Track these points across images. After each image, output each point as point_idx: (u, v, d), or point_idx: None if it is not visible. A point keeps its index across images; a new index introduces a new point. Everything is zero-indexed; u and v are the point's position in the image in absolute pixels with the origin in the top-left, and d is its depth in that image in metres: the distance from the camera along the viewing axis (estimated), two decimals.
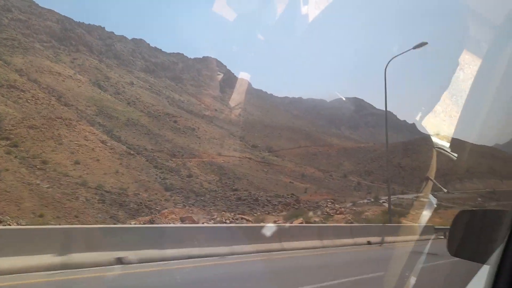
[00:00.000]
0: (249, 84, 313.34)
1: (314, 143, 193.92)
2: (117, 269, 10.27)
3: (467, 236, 2.29)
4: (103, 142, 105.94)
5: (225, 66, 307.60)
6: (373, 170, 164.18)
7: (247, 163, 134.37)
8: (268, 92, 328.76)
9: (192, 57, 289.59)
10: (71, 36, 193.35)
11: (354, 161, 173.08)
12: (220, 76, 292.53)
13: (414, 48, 25.25)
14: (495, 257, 1.87)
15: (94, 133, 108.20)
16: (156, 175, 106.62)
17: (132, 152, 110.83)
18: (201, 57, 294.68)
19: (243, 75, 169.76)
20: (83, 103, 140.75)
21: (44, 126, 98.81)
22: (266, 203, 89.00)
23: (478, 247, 2.13)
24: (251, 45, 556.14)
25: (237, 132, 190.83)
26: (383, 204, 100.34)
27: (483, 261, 2.01)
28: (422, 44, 24.84)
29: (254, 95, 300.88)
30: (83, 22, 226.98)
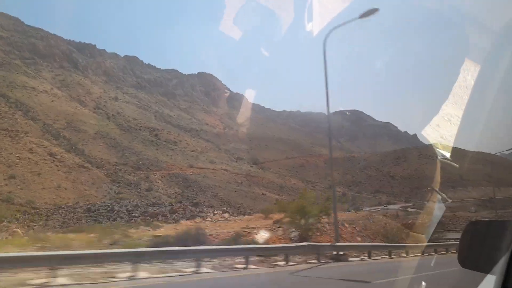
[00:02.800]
0: (245, 99, 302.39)
1: (302, 154, 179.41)
2: None
3: (476, 247, 2.22)
4: (51, 155, 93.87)
5: (221, 82, 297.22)
6: (361, 180, 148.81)
7: (221, 175, 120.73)
8: (266, 106, 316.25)
9: (187, 73, 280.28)
10: (55, 52, 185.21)
11: (342, 172, 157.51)
12: (222, 93, 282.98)
13: (361, 17, 18.70)
14: (500, 266, 1.82)
15: (43, 146, 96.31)
16: (110, 189, 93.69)
17: (86, 165, 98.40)
18: (196, 73, 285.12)
19: (248, 93, 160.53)
20: (52, 117, 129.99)
21: None
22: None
23: (486, 257, 2.05)
24: (249, 60, 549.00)
25: (223, 145, 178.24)
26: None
27: (488, 271, 1.94)
28: (372, 11, 18.45)
29: (249, 109, 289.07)
30: (73, 40, 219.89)
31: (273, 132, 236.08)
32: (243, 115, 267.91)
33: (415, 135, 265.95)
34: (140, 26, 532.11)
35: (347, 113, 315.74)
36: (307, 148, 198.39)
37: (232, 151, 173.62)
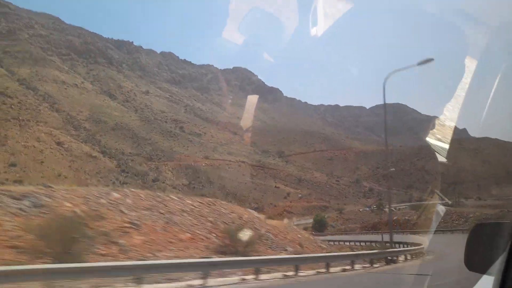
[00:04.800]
0: (280, 93, 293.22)
1: (332, 147, 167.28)
2: None
3: (483, 250, 2.16)
4: (59, 144, 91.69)
5: (257, 76, 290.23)
6: (392, 174, 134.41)
7: (236, 167, 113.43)
8: (302, 100, 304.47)
9: (222, 68, 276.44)
10: (91, 49, 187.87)
11: (373, 165, 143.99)
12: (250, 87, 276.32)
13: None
14: (497, 266, 1.81)
15: (52, 135, 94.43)
16: (116, 179, 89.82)
17: (94, 155, 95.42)
18: (231, 67, 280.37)
19: (251, 98, 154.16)
20: (77, 109, 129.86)
21: None
22: None
23: (494, 260, 1.99)
24: (286, 54, 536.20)
25: (250, 138, 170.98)
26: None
27: (485, 271, 1.95)
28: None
29: (284, 103, 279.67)
30: (112, 38, 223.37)
31: (307, 126, 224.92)
32: (278, 110, 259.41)
33: (464, 129, 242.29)
34: (179, 23, 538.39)
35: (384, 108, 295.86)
36: (338, 142, 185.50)
37: (258, 143, 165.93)
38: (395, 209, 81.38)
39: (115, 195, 16.50)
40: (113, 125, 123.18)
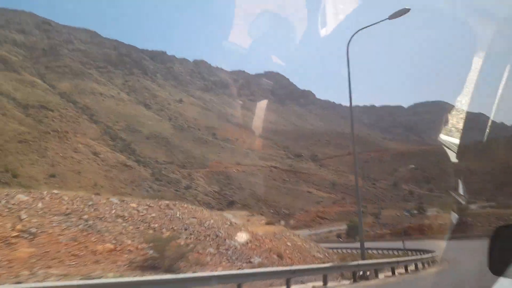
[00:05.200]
0: (313, 95, 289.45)
1: (367, 149, 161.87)
2: None
3: (503, 252, 2.10)
4: (95, 154, 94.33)
5: (288, 80, 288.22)
6: (434, 176, 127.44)
7: (268, 172, 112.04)
8: (337, 102, 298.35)
9: (254, 73, 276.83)
10: (126, 61, 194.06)
11: (412, 167, 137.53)
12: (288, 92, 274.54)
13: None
14: None
15: (89, 145, 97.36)
16: (150, 187, 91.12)
17: (129, 164, 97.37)
18: (262, 72, 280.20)
19: (260, 104, 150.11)
20: (114, 119, 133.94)
21: (34, 140, 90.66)
22: None
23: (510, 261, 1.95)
24: (318, 58, 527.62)
25: (282, 142, 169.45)
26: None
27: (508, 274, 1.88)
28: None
29: (318, 106, 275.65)
30: (147, 49, 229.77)
31: (341, 128, 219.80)
32: (310, 113, 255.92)
33: None
34: (211, 30, 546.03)
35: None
36: (374, 143, 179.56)
37: (291, 147, 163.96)
38: (437, 212, 76.88)
39: (21, 197, 14.44)
40: (147, 134, 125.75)
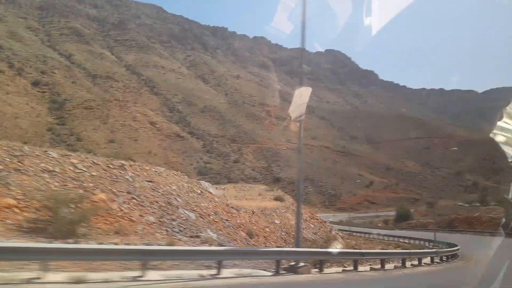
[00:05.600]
0: (375, 76, 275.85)
1: (430, 135, 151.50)
2: None
3: None
4: (151, 123, 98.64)
5: (350, 59, 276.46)
6: (503, 167, 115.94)
7: (318, 152, 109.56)
8: (401, 84, 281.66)
9: (314, 51, 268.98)
10: (188, 36, 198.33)
11: (479, 157, 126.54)
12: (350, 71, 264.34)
13: None
14: None
15: (146, 115, 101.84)
16: (200, 158, 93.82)
17: (182, 135, 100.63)
18: (323, 51, 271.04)
19: (300, 91, 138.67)
20: (173, 92, 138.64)
21: (98, 107, 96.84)
22: None
23: None
24: (385, 35, 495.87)
25: (338, 122, 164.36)
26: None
27: None
28: None
29: (380, 86, 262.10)
30: (208, 25, 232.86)
31: (403, 111, 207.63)
32: (370, 94, 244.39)
33: None
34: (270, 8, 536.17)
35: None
36: (439, 129, 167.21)
37: (346, 128, 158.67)
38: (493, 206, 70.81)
39: None
40: (202, 108, 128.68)
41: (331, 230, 23.84)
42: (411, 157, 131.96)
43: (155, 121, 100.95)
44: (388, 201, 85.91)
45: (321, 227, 20.97)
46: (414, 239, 30.88)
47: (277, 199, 20.69)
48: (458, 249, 20.38)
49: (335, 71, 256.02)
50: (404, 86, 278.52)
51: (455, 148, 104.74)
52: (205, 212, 13.69)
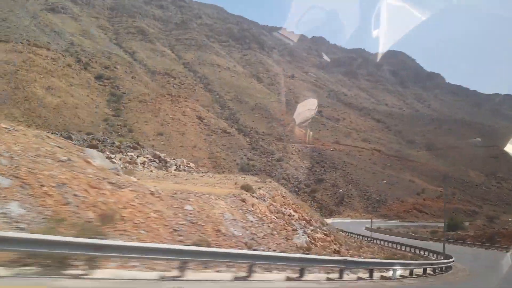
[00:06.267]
0: (442, 79, 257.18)
1: (499, 144, 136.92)
2: None
3: None
4: (199, 118, 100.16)
5: (414, 60, 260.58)
6: None
7: (368, 155, 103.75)
8: (471, 88, 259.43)
9: (374, 52, 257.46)
10: (246, 35, 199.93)
11: None
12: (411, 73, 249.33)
13: None
14: None
15: (195, 110, 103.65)
16: (244, 155, 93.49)
17: (229, 131, 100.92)
18: (384, 52, 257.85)
19: (309, 101, 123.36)
20: (226, 89, 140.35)
21: (151, 101, 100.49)
22: None
23: None
24: (450, 39, 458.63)
25: (395, 126, 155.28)
26: None
27: None
28: None
29: (446, 90, 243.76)
30: (267, 25, 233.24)
31: (471, 117, 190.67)
32: (435, 97, 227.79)
33: None
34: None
35: None
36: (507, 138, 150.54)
37: (404, 132, 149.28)
38: None
39: None
40: (252, 106, 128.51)
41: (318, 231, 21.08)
42: (475, 167, 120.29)
43: (203, 116, 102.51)
44: (441, 211, 78.58)
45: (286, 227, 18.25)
46: (423, 249, 29.11)
47: (245, 188, 18.13)
48: (448, 262, 19.42)
49: (397, 73, 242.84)
50: (475, 91, 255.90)
51: (478, 139, 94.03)
52: (39, 182, 9.81)
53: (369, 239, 38.92)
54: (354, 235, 40.26)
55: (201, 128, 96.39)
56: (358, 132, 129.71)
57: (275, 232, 15.67)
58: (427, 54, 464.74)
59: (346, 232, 38.84)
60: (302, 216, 19.90)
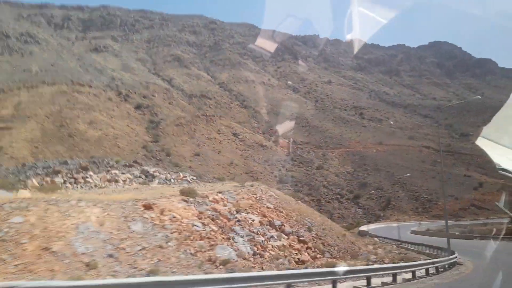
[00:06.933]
0: (494, 64, 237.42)
1: None
2: None
3: None
4: (234, 135, 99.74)
5: (460, 48, 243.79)
6: None
7: (416, 153, 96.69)
8: None
9: (415, 46, 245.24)
10: (279, 48, 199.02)
11: None
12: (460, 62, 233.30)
13: None
14: None
15: (230, 127, 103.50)
16: (282, 166, 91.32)
17: (265, 144, 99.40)
18: (427, 43, 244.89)
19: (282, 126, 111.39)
20: (261, 103, 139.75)
21: (187, 123, 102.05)
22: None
23: None
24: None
25: (445, 120, 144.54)
26: None
27: None
28: None
29: (499, 75, 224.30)
30: (299, 35, 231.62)
31: None
32: (488, 85, 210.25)
33: None
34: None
35: None
36: None
37: (456, 125, 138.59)
38: None
39: None
40: (289, 116, 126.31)
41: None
42: None
43: (238, 132, 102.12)
44: (504, 205, 70.31)
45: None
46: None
47: (185, 192, 15.31)
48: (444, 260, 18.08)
49: (442, 64, 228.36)
50: None
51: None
52: None
53: (398, 243, 35.79)
54: (386, 241, 37.34)
55: (236, 144, 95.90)
56: (403, 130, 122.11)
57: (171, 244, 13.02)
58: (474, 41, 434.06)
59: (378, 237, 36.11)
60: (270, 221, 17.44)
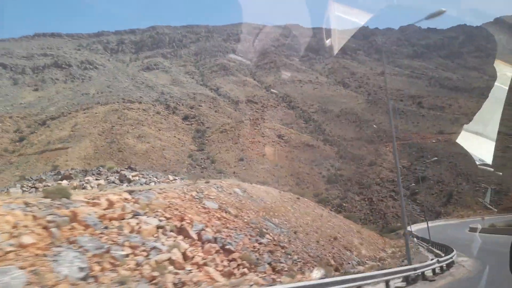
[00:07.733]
0: None
1: None
2: None
3: None
4: (279, 136, 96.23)
5: None
6: None
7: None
8: None
9: (479, 24, 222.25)
10: (323, 45, 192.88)
11: None
12: None
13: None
14: None
15: (275, 129, 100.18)
16: (331, 165, 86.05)
17: (312, 143, 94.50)
18: (492, 20, 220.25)
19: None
20: (309, 103, 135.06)
21: (231, 129, 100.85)
22: None
23: None
24: None
25: None
26: None
27: None
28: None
29: None
30: (348, 29, 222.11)
31: None
32: None
33: None
34: None
35: None
36: None
37: None
38: None
39: None
40: (337, 113, 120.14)
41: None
42: None
43: (283, 133, 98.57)
44: None
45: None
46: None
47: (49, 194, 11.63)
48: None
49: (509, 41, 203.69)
50: None
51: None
52: None
53: (429, 245, 30.46)
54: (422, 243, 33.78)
55: (281, 146, 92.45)
56: (469, 116, 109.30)
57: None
58: None
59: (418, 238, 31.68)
60: (181, 226, 13.62)
